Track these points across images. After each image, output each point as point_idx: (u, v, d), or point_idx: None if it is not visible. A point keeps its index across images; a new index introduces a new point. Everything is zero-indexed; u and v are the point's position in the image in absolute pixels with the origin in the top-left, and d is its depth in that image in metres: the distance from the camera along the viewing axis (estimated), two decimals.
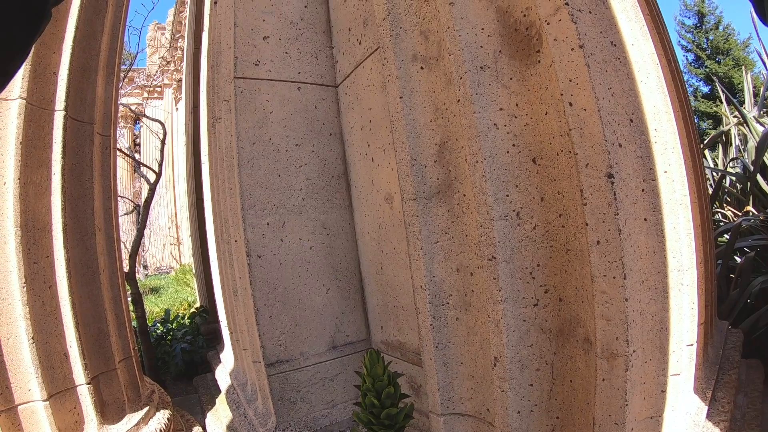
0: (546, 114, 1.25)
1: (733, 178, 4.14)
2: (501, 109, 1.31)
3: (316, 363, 2.00)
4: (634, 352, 1.12)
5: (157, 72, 14.92)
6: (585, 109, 1.16)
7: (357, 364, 2.09)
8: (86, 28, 2.01)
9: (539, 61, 1.26)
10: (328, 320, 2.05)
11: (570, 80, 1.17)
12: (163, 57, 14.89)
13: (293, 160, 2.01)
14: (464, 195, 1.41)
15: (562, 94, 1.19)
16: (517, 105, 1.31)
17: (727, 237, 3.11)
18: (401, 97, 1.53)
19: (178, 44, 13.38)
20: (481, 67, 1.32)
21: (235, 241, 2.02)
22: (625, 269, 1.10)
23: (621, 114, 1.20)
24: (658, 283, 1.27)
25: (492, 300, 1.28)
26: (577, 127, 1.16)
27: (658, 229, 1.28)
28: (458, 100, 1.35)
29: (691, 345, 1.43)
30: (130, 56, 7.20)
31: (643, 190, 1.23)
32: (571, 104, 1.18)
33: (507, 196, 1.28)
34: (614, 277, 1.10)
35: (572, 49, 1.17)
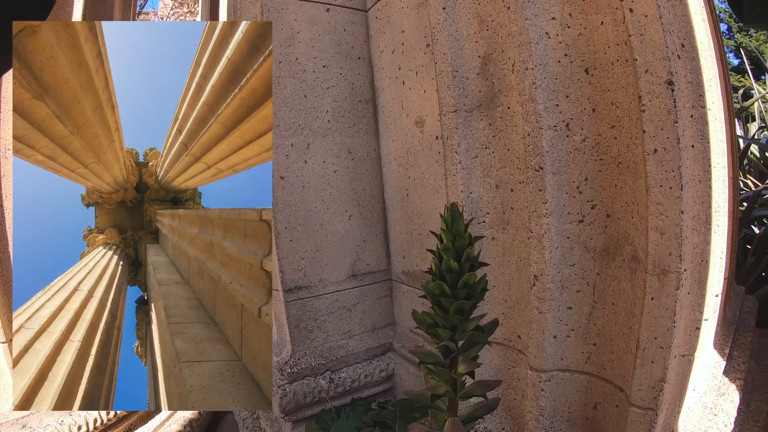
0: (602, 24, 1.18)
1: (756, 152, 4.10)
2: (553, 18, 1.23)
3: (335, 291, 1.97)
4: (685, 270, 1.08)
5: (170, 14, 14.54)
6: (646, 16, 1.09)
7: (375, 295, 2.06)
8: None
9: None
10: (349, 247, 2.00)
11: None
12: None
13: (320, 81, 1.93)
14: (508, 107, 1.33)
15: (622, 1, 1.12)
16: (570, 15, 1.23)
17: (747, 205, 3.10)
18: (444, 8, 1.44)
19: None
20: None
21: None
22: (683, 180, 1.04)
23: (676, 34, 1.15)
24: (702, 214, 1.24)
25: (537, 213, 1.22)
26: (637, 33, 1.09)
27: (705, 157, 1.24)
28: (509, 8, 1.27)
29: (717, 296, 1.40)
30: None
31: (692, 116, 1.18)
32: (631, 10, 1.10)
33: (557, 105, 1.21)
34: (671, 188, 1.05)
35: None
